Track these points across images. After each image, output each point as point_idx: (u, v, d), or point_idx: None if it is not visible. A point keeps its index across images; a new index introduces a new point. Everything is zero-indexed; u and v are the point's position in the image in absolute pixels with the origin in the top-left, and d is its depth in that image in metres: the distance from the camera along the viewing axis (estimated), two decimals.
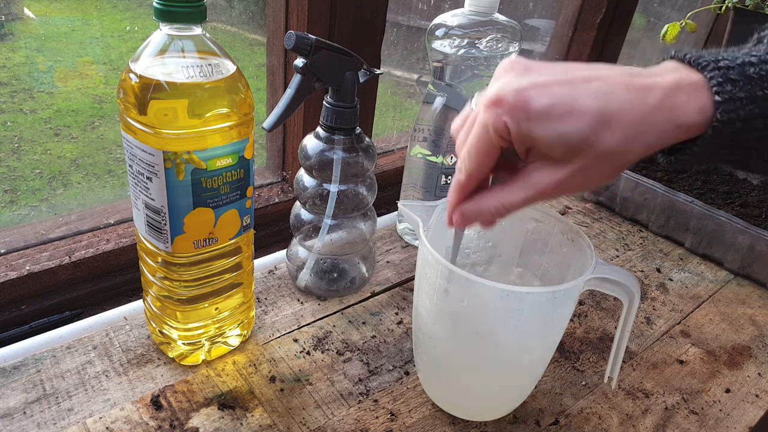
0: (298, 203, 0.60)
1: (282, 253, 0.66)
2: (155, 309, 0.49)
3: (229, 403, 0.48)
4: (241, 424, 0.46)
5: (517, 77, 0.33)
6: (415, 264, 0.67)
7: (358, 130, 0.56)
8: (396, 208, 0.79)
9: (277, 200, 0.75)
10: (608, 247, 0.77)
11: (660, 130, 0.32)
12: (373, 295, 0.63)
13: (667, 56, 0.35)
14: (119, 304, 0.57)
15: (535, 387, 0.52)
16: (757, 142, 0.32)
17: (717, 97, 0.31)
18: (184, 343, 0.50)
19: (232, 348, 0.53)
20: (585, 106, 0.31)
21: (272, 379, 0.50)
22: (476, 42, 0.61)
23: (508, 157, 0.36)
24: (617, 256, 0.75)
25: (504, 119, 0.32)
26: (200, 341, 0.50)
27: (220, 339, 0.51)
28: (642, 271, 0.73)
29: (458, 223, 0.38)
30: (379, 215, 0.71)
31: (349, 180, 0.56)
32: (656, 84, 0.32)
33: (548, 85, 0.32)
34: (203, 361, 0.51)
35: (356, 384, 0.51)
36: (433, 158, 0.66)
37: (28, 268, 0.57)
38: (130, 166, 0.43)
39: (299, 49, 0.49)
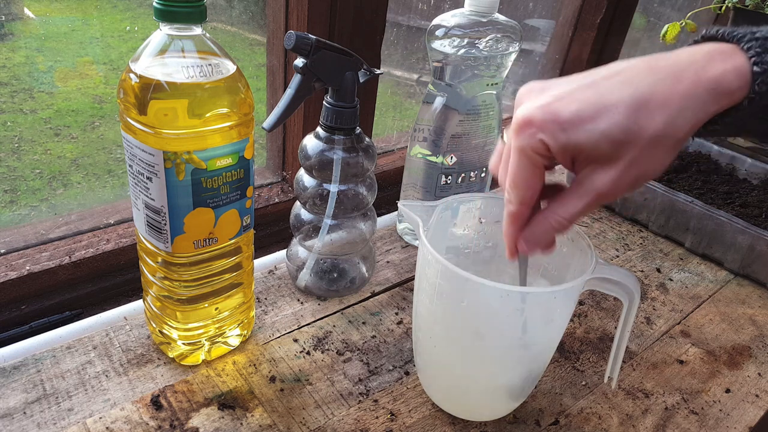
0: (298, 203, 0.60)
1: (282, 253, 0.66)
2: (155, 309, 0.49)
3: (229, 403, 0.48)
4: (241, 424, 0.46)
5: (537, 97, 0.33)
6: (415, 264, 0.67)
7: (358, 130, 0.56)
8: (396, 208, 0.79)
9: (277, 200, 0.75)
10: (608, 247, 0.77)
11: (702, 101, 0.31)
12: (373, 295, 0.63)
13: (698, 38, 0.34)
14: (119, 304, 0.57)
15: (535, 387, 0.52)
16: None
17: (755, 68, 0.30)
18: (184, 343, 0.50)
19: (232, 348, 0.53)
20: (614, 98, 0.31)
21: (272, 379, 0.50)
22: (476, 42, 0.61)
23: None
24: (617, 256, 0.75)
25: (539, 137, 0.32)
26: (200, 341, 0.50)
27: (220, 339, 0.51)
28: (642, 271, 0.73)
29: (525, 251, 0.37)
30: (379, 215, 0.71)
31: (349, 180, 0.56)
32: (685, 60, 0.31)
33: (571, 93, 0.32)
34: (203, 361, 0.51)
35: (356, 384, 0.51)
36: (433, 158, 0.66)
37: (28, 268, 0.57)
38: (130, 166, 0.43)
39: (299, 49, 0.49)
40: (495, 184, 0.83)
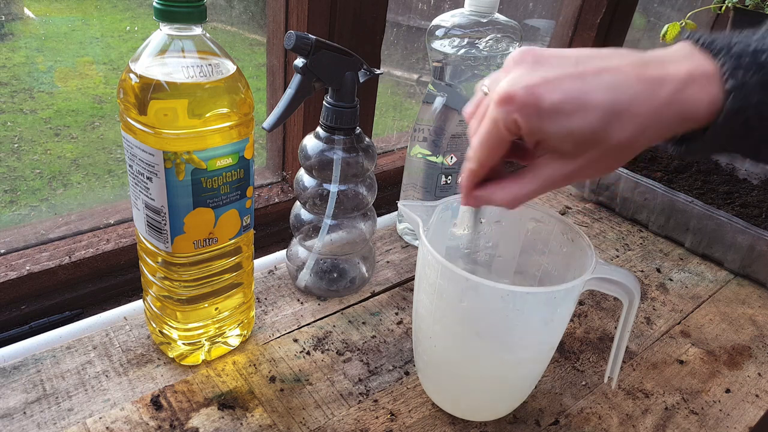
0: (298, 203, 0.60)
1: (282, 253, 0.66)
2: (155, 309, 0.49)
3: (229, 403, 0.48)
4: (241, 424, 0.46)
5: (528, 71, 0.33)
6: (415, 264, 0.67)
7: (358, 130, 0.56)
8: (396, 208, 0.79)
9: (277, 200, 0.75)
10: (608, 247, 0.77)
11: (668, 123, 0.32)
12: (373, 295, 0.63)
13: (683, 37, 0.35)
14: (119, 304, 0.57)
15: (535, 387, 0.52)
16: None
17: (728, 84, 0.31)
18: (184, 343, 0.50)
19: (232, 348, 0.53)
20: (595, 100, 0.32)
21: (272, 379, 0.50)
22: (476, 42, 0.61)
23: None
24: (617, 256, 0.75)
25: (514, 116, 0.33)
26: (200, 341, 0.50)
27: (220, 339, 0.51)
28: (642, 271, 0.73)
29: (474, 204, 0.40)
30: (379, 215, 0.71)
31: (349, 180, 0.56)
32: (669, 75, 0.32)
33: (559, 80, 0.32)
34: (203, 361, 0.51)
35: (356, 384, 0.51)
36: (433, 158, 0.66)
37: (28, 268, 0.57)
38: (130, 166, 0.43)
39: (299, 49, 0.49)
40: None
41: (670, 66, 0.32)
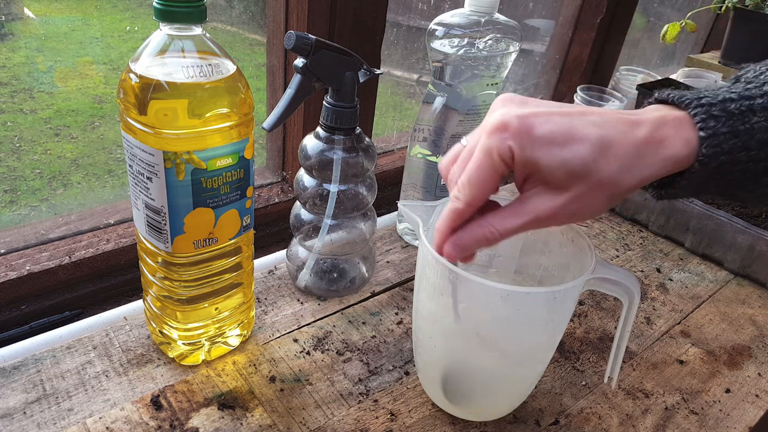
0: (298, 203, 0.60)
1: (282, 253, 0.66)
2: (155, 309, 0.49)
3: (229, 403, 0.48)
4: (241, 424, 0.46)
5: (517, 107, 0.34)
6: (415, 264, 0.67)
7: (358, 130, 0.56)
8: (396, 208, 0.79)
9: (277, 200, 0.75)
10: (608, 247, 0.77)
11: (650, 162, 0.33)
12: (373, 295, 0.63)
13: (651, 100, 0.37)
14: (119, 304, 0.57)
15: (535, 387, 0.52)
16: (742, 174, 0.33)
17: (701, 133, 0.32)
18: (184, 343, 0.50)
19: (232, 348, 0.53)
20: (585, 133, 0.33)
21: (272, 379, 0.50)
22: (476, 42, 0.61)
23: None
24: (617, 256, 0.75)
25: (508, 143, 0.33)
26: (200, 341, 0.50)
27: (220, 339, 0.51)
28: (642, 271, 0.73)
29: (449, 256, 0.38)
30: (379, 215, 0.71)
31: (349, 180, 0.56)
32: (643, 118, 0.34)
33: (549, 114, 0.33)
34: (203, 361, 0.51)
35: (356, 384, 0.51)
36: (433, 158, 0.66)
37: (28, 268, 0.58)
38: (130, 166, 0.43)
39: (299, 49, 0.49)
40: None
41: (642, 114, 0.34)
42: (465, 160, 0.36)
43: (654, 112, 0.34)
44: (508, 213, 0.36)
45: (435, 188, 0.67)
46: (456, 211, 0.37)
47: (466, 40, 0.61)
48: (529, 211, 0.35)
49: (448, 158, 0.39)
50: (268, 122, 0.50)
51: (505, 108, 0.34)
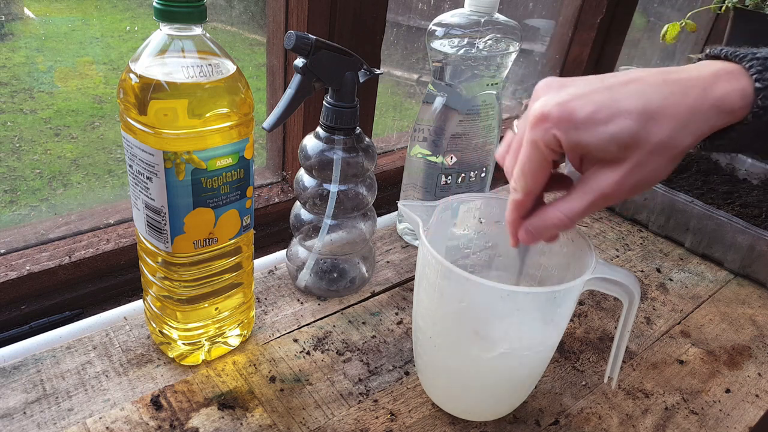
0: (298, 203, 0.60)
1: (282, 253, 0.66)
2: (155, 309, 0.49)
3: (229, 403, 0.48)
4: (241, 424, 0.46)
5: (556, 93, 0.34)
6: (415, 264, 0.67)
7: (358, 130, 0.56)
8: (396, 208, 0.79)
9: (277, 200, 0.75)
10: (608, 247, 0.77)
11: (706, 117, 0.32)
12: (373, 295, 0.63)
13: (702, 56, 0.36)
14: (119, 304, 0.57)
15: (535, 387, 0.52)
16: None
17: (757, 84, 0.32)
18: (184, 343, 0.50)
19: (232, 348, 0.53)
20: (627, 106, 0.32)
21: (272, 379, 0.50)
22: (476, 42, 0.61)
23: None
24: (617, 256, 0.75)
25: (552, 132, 0.33)
26: (200, 341, 0.50)
27: (220, 339, 0.51)
28: (642, 271, 0.73)
29: (525, 240, 0.38)
30: (379, 215, 0.71)
31: (349, 180, 0.56)
32: (694, 76, 0.33)
33: (588, 94, 0.33)
34: (203, 361, 0.51)
35: (356, 384, 0.51)
36: (433, 158, 0.66)
37: (28, 268, 0.58)
38: (130, 166, 0.43)
39: (299, 49, 0.49)
40: (495, 184, 0.83)
41: (692, 71, 0.34)
42: (516, 151, 0.37)
43: (705, 68, 0.34)
44: (573, 195, 0.36)
45: (435, 188, 0.67)
46: (516, 202, 0.38)
47: (466, 40, 0.61)
48: (593, 190, 0.35)
49: (502, 148, 0.39)
50: (268, 122, 0.50)
51: (545, 95, 0.34)
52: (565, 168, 0.38)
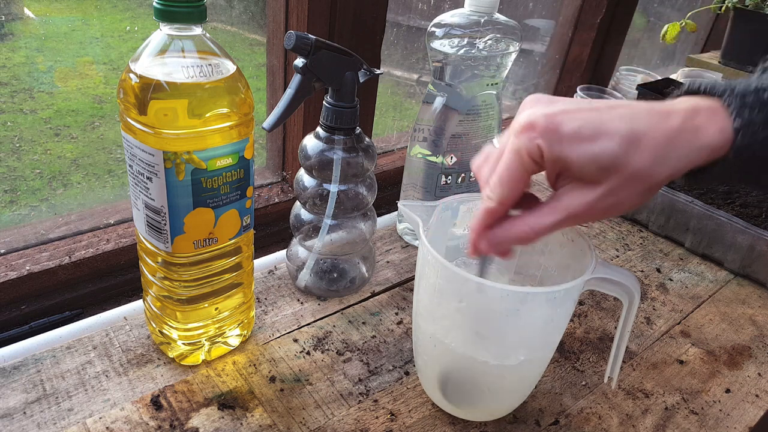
0: (298, 203, 0.60)
1: (282, 253, 0.66)
2: (155, 309, 0.49)
3: (229, 403, 0.48)
4: (241, 424, 0.46)
5: (545, 107, 0.34)
6: (415, 264, 0.67)
7: (358, 130, 0.56)
8: (396, 208, 0.79)
9: (277, 200, 0.75)
10: (608, 247, 0.77)
11: (685, 152, 0.33)
12: (373, 295, 0.63)
13: (681, 92, 0.37)
14: (119, 304, 0.57)
15: (535, 387, 0.52)
16: None
17: (736, 122, 0.32)
18: (184, 343, 0.50)
19: (232, 348, 0.53)
20: (613, 127, 0.33)
21: (272, 379, 0.50)
22: (476, 42, 0.61)
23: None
24: (617, 256, 0.75)
25: (537, 142, 0.33)
26: (200, 341, 0.50)
27: (220, 339, 0.51)
28: (642, 271, 0.73)
29: (484, 250, 0.38)
30: (379, 215, 0.71)
31: (349, 180, 0.56)
32: (675, 108, 0.33)
33: (576, 112, 0.33)
34: (203, 361, 0.51)
35: (356, 384, 0.51)
36: (433, 158, 0.66)
37: (28, 268, 0.58)
38: (130, 166, 0.43)
39: (299, 49, 0.49)
40: None
41: (675, 104, 0.34)
42: (495, 161, 0.37)
43: (685, 102, 0.34)
44: (543, 211, 0.36)
45: (435, 188, 0.67)
46: (489, 210, 0.37)
47: (466, 40, 0.61)
48: (564, 208, 0.35)
49: (478, 159, 0.39)
50: (268, 122, 0.50)
51: (533, 108, 0.35)
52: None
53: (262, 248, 0.72)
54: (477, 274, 0.42)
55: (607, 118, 0.33)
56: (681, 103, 0.34)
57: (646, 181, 0.33)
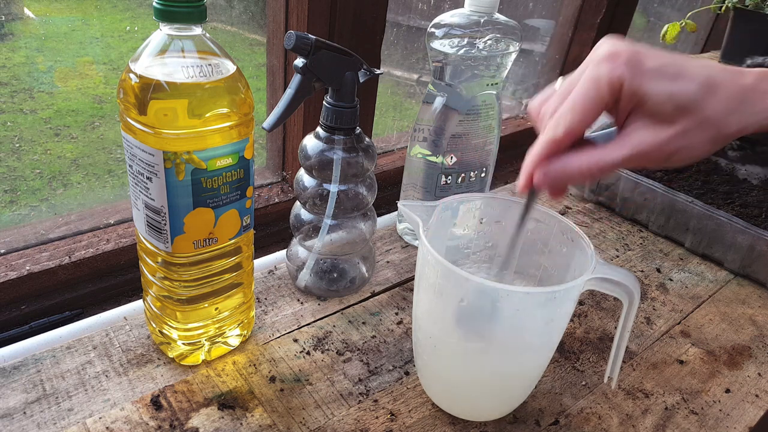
0: (298, 203, 0.60)
1: (282, 253, 0.66)
2: (155, 309, 0.49)
3: (229, 403, 0.48)
4: (241, 424, 0.46)
5: (626, 43, 0.35)
6: (415, 264, 0.67)
7: (358, 130, 0.56)
8: (396, 208, 0.79)
9: (277, 200, 0.75)
10: (608, 247, 0.77)
11: (756, 110, 0.34)
12: (373, 295, 0.63)
13: (745, 66, 0.38)
14: (119, 304, 0.57)
15: (535, 387, 0.52)
16: None
17: None
18: (184, 343, 0.50)
19: (232, 348, 0.53)
20: (693, 71, 0.33)
21: (272, 379, 0.50)
22: (476, 42, 0.61)
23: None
24: (617, 256, 0.75)
25: (620, 72, 0.33)
26: (200, 341, 0.50)
27: (220, 339, 0.51)
28: (642, 271, 0.73)
29: (539, 183, 0.36)
30: (379, 215, 0.71)
31: (349, 180, 0.56)
32: (747, 70, 0.35)
33: (659, 52, 0.34)
34: (203, 361, 0.51)
35: (356, 384, 0.51)
36: (433, 158, 0.66)
37: (28, 268, 0.58)
38: (130, 166, 0.43)
39: (299, 49, 0.49)
40: (495, 184, 0.83)
41: (745, 69, 0.35)
42: (563, 96, 0.36)
43: (755, 70, 0.35)
44: (609, 146, 0.35)
45: (435, 188, 0.67)
46: (553, 140, 0.35)
47: (466, 40, 0.61)
48: (633, 144, 0.34)
49: (538, 99, 0.38)
50: (268, 122, 0.50)
51: (614, 42, 0.35)
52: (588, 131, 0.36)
53: (262, 248, 0.72)
54: (520, 215, 0.41)
55: (688, 64, 0.34)
56: (752, 70, 0.35)
57: (718, 128, 0.34)
